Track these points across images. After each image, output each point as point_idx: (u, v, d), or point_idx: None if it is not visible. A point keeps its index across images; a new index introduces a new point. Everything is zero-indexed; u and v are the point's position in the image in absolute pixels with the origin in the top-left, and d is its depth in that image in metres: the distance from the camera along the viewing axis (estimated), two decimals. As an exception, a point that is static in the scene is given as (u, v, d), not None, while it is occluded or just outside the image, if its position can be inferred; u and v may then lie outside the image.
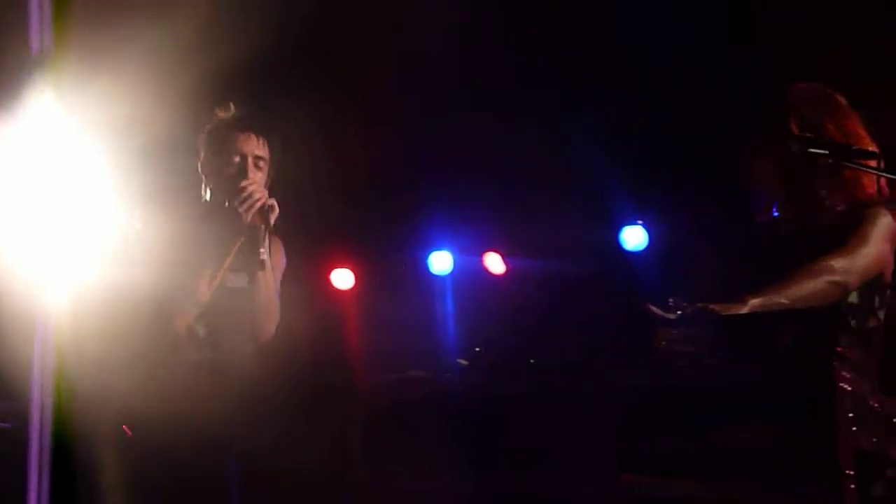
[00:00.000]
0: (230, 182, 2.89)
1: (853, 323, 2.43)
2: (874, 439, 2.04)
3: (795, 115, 2.56)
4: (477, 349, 2.05)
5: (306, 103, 4.94)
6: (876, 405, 2.08)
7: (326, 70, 4.78)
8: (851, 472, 1.78)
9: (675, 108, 4.62)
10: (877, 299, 2.49)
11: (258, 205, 2.86)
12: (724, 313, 2.04)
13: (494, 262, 5.72)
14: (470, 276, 5.72)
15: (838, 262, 2.35)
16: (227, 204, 2.86)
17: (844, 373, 1.82)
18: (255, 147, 2.97)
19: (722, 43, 4.44)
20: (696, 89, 4.53)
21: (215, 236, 2.87)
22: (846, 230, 2.45)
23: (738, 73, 4.34)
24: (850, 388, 1.84)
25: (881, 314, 2.51)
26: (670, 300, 2.12)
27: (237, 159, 2.93)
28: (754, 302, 2.13)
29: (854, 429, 1.86)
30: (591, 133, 4.82)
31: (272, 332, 2.97)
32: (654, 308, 1.99)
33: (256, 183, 2.90)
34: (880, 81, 3.86)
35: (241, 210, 2.83)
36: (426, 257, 5.77)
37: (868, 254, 2.42)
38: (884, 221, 2.48)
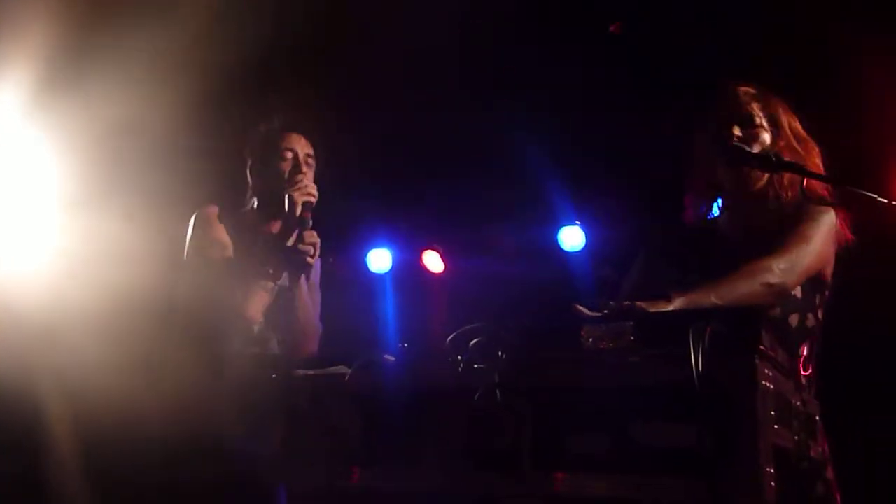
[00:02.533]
0: (282, 178, 2.96)
1: (793, 320, 2.43)
2: (795, 437, 2.05)
3: (742, 112, 2.55)
4: (403, 344, 2.01)
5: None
6: (798, 404, 2.10)
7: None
8: (771, 470, 1.77)
9: (614, 111, 4.66)
10: (817, 297, 2.50)
11: (312, 199, 2.95)
12: (650, 311, 2.04)
13: (433, 261, 5.71)
14: (409, 275, 5.70)
15: (779, 264, 2.33)
16: (281, 198, 2.91)
17: (767, 371, 1.82)
18: (305, 146, 3.07)
19: (662, 44, 4.48)
20: (634, 92, 4.57)
21: (270, 239, 2.94)
22: (783, 228, 2.45)
23: (677, 75, 4.39)
24: (772, 387, 1.84)
25: (820, 313, 2.52)
26: (598, 299, 2.13)
27: (290, 155, 3.02)
28: (681, 300, 2.13)
29: (776, 427, 1.86)
30: (532, 134, 4.84)
31: (315, 336, 3.08)
32: (580, 307, 1.99)
33: (309, 178, 3.00)
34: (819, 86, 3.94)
35: (297, 198, 2.90)
36: (365, 255, 5.73)
37: (810, 252, 2.40)
38: (828, 220, 2.46)
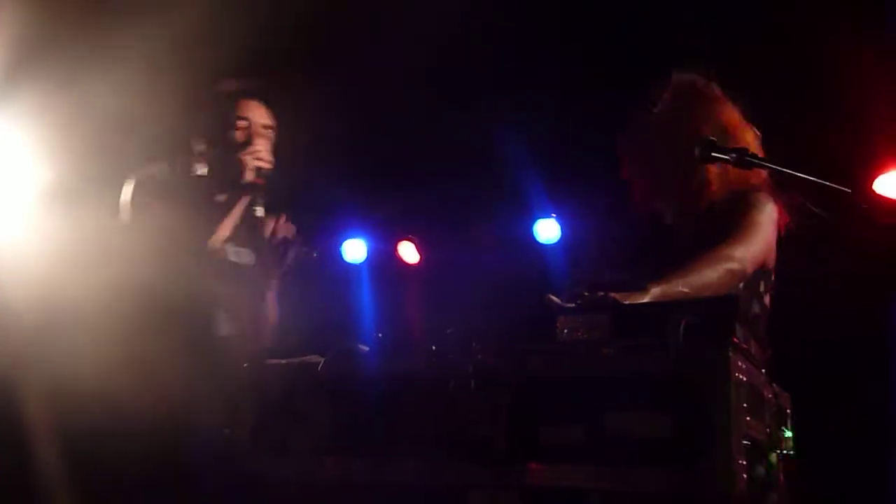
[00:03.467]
0: (234, 147, 2.82)
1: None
2: (767, 429, 2.07)
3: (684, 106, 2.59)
4: (378, 334, 2.00)
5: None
6: (770, 396, 2.11)
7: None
8: (744, 462, 1.79)
9: (590, 103, 4.66)
10: (762, 284, 2.57)
11: (264, 165, 2.81)
12: (625, 302, 2.05)
13: (408, 252, 5.69)
14: (384, 265, 5.68)
15: (737, 250, 2.42)
16: (229, 165, 2.79)
17: (740, 363, 1.83)
18: (262, 115, 2.91)
19: (635, 38, 4.49)
20: (611, 85, 4.57)
21: (219, 206, 2.80)
22: (730, 216, 2.51)
23: (651, 69, 4.40)
24: (745, 379, 1.85)
25: (766, 299, 2.59)
26: (573, 290, 2.14)
27: (244, 125, 2.86)
28: (655, 290, 2.16)
29: (748, 418, 1.87)
30: (508, 126, 4.84)
31: (273, 321, 2.93)
32: (553, 298, 2.00)
33: (263, 147, 2.85)
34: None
35: (248, 162, 2.78)
36: (340, 245, 5.71)
37: (761, 238, 2.51)
38: (769, 207, 2.57)
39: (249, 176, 2.82)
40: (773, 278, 2.62)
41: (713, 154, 2.44)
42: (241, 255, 2.88)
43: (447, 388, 1.86)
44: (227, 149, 2.85)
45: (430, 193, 5.34)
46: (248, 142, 2.85)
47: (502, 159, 4.93)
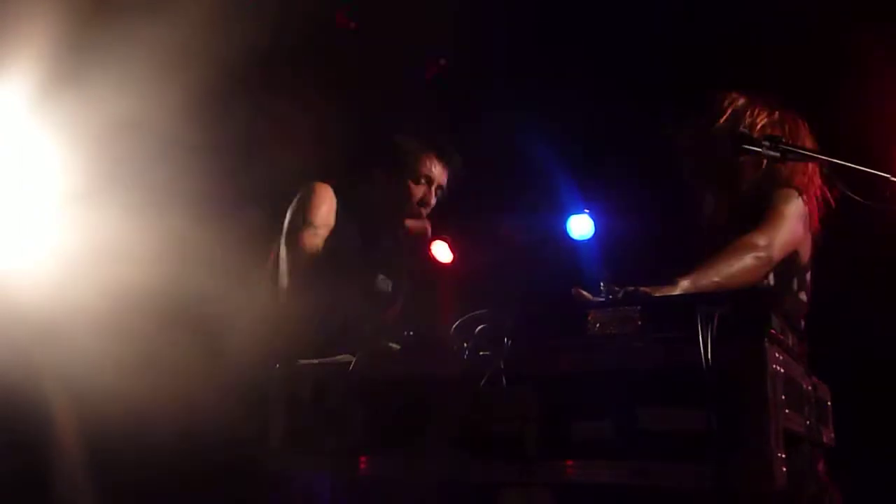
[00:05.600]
0: (412, 198, 2.99)
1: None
2: (807, 422, 2.03)
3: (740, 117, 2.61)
4: (408, 332, 1.99)
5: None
6: (809, 388, 2.07)
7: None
8: (783, 455, 1.75)
9: (624, 99, 4.62)
10: (795, 281, 2.53)
11: (426, 234, 3.02)
12: (655, 294, 2.02)
13: (442, 251, 5.68)
14: (416, 265, 5.67)
15: (760, 238, 2.41)
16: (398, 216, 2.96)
17: (777, 354, 1.79)
18: (442, 175, 3.10)
19: (669, 36, 4.44)
20: (643, 81, 4.53)
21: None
22: (757, 207, 2.50)
23: (685, 66, 4.35)
24: (782, 370, 1.81)
25: (802, 296, 2.55)
26: (602, 284, 2.12)
27: (424, 182, 3.03)
28: (684, 283, 2.14)
29: (787, 411, 1.83)
30: (540, 124, 4.81)
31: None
32: (583, 292, 1.98)
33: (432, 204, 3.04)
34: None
35: (412, 229, 2.97)
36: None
37: (787, 228, 2.50)
38: (797, 202, 2.56)
39: (409, 241, 3.00)
40: (808, 275, 2.59)
41: (745, 146, 2.40)
42: (383, 285, 3.06)
43: (479, 385, 1.84)
44: (403, 197, 3.00)
45: (463, 191, 5.33)
46: (425, 200, 3.02)
47: (535, 155, 4.91)
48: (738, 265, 2.30)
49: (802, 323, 2.56)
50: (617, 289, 1.98)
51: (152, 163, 3.48)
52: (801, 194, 2.57)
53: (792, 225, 2.51)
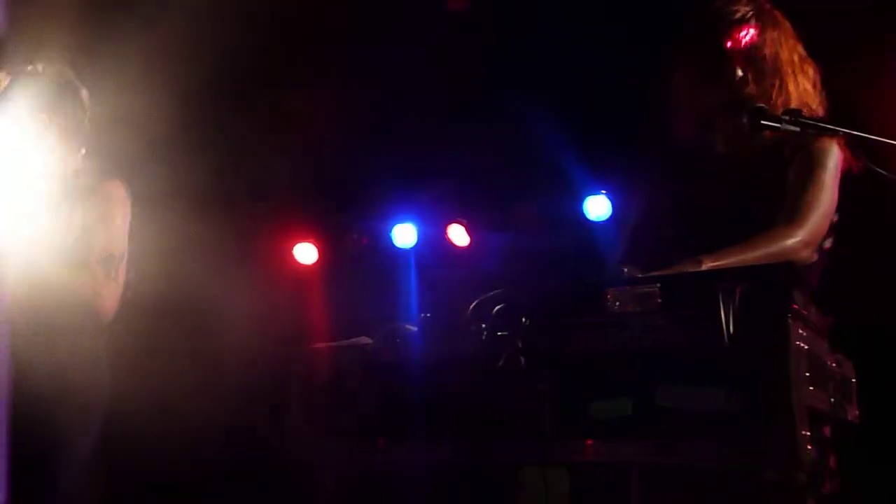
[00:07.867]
0: None
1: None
2: (832, 399, 1.99)
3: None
4: (425, 315, 1.97)
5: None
6: (833, 365, 2.03)
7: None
8: (808, 433, 1.72)
9: (640, 78, 4.57)
10: (825, 241, 2.45)
11: None
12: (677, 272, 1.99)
13: (458, 235, 5.65)
14: (433, 249, 5.65)
15: (797, 233, 2.31)
16: None
17: (801, 331, 1.76)
18: None
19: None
20: (659, 61, 4.47)
21: None
22: (793, 171, 2.40)
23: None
24: (806, 347, 1.78)
25: (825, 258, 2.47)
26: (624, 268, 2.09)
27: None
28: (709, 262, 2.09)
29: (811, 388, 1.80)
30: (556, 104, 4.77)
31: None
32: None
33: None
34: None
35: None
36: (389, 230, 5.69)
37: (825, 212, 2.38)
38: (834, 158, 2.43)
39: None
40: (833, 237, 2.50)
41: (763, 122, 2.34)
42: None
43: (496, 365, 1.82)
44: None
45: (479, 175, 5.30)
46: None
47: (550, 137, 4.87)
48: (767, 251, 2.22)
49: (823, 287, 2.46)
50: (639, 275, 1.95)
51: (144, 161, 3.47)
52: (835, 142, 2.42)
53: (831, 197, 2.38)
